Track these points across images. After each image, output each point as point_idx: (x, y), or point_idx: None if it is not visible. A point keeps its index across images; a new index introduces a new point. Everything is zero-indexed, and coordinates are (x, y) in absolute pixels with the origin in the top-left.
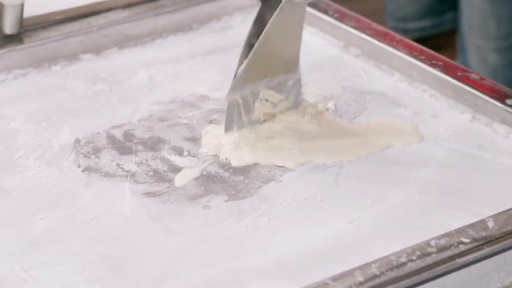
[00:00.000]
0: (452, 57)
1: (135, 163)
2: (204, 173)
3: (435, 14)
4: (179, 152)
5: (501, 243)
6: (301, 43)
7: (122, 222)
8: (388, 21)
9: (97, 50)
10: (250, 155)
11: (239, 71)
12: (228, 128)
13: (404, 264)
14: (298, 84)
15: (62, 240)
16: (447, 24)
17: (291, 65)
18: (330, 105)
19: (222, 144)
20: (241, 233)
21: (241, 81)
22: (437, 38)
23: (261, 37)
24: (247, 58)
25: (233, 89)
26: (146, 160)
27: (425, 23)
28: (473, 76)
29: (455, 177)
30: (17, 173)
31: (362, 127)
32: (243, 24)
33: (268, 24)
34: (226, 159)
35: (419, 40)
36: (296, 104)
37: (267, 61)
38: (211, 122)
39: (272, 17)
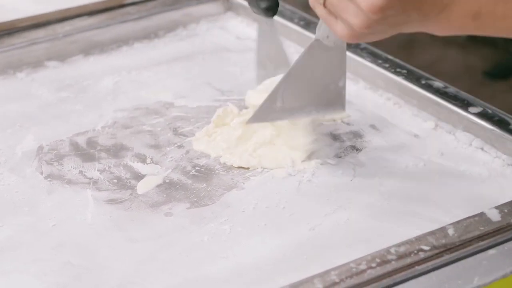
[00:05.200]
0: None
1: (98, 170)
2: (167, 180)
3: None
4: (142, 159)
5: (460, 250)
6: (345, 83)
7: (84, 229)
8: None
9: (62, 57)
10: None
11: (266, 99)
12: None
13: (363, 271)
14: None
15: (23, 248)
16: None
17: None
18: None
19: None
20: (203, 241)
21: (266, 110)
22: None
23: (289, 71)
24: (274, 89)
25: (257, 117)
26: (109, 167)
27: None
28: (437, 84)
29: (417, 184)
30: None
31: None
32: (208, 32)
33: (297, 60)
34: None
35: None
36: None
37: (298, 96)
38: (175, 129)
39: (302, 53)
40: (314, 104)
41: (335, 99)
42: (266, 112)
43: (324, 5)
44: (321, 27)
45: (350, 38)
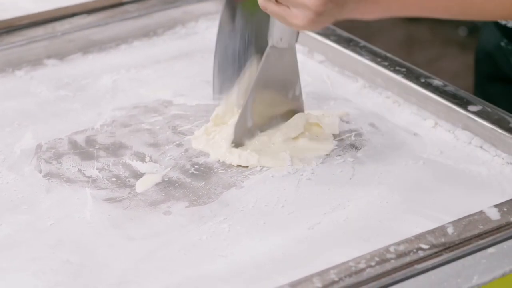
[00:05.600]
0: None
1: (97, 168)
2: (166, 179)
3: None
4: (141, 157)
5: (460, 249)
6: (301, 89)
7: (82, 228)
8: None
9: (61, 55)
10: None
11: (237, 121)
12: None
13: (362, 270)
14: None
15: (21, 246)
16: None
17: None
18: None
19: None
20: (201, 239)
21: (241, 129)
22: None
23: (253, 85)
24: (244, 108)
25: (236, 142)
26: (108, 165)
27: None
28: (436, 82)
29: (416, 183)
30: None
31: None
32: (208, 30)
33: (258, 73)
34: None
35: None
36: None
37: (266, 106)
38: (174, 128)
39: (260, 64)
40: (279, 114)
41: (295, 104)
42: (242, 135)
43: (276, 0)
44: (273, 32)
45: (309, 24)
